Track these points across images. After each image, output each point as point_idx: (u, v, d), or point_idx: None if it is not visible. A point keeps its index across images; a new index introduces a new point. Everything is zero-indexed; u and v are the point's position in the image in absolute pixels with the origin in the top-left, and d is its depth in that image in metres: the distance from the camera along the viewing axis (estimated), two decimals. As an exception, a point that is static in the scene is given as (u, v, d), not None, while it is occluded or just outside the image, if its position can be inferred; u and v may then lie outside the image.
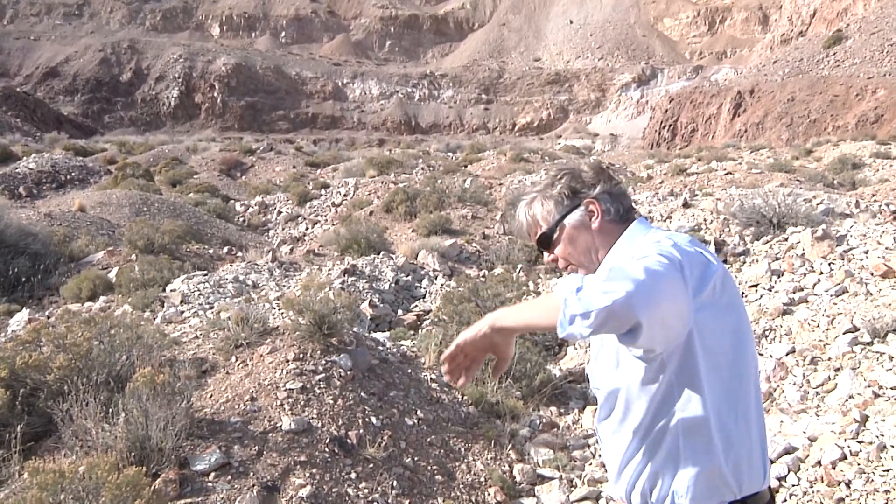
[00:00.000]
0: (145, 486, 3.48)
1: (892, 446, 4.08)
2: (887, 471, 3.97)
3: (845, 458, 4.16)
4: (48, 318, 8.20)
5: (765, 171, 19.85)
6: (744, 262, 8.24)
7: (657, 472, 2.00)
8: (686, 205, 13.21)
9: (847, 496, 3.92)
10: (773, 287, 7.20)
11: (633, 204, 2.24)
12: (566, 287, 1.89)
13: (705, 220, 11.72)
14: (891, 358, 5.10)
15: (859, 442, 4.26)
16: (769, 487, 2.10)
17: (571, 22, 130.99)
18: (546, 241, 2.22)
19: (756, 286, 7.39)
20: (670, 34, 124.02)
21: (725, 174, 19.62)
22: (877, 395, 4.71)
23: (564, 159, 28.45)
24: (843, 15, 66.92)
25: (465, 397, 5.88)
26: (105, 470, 3.41)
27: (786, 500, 4.06)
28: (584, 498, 4.75)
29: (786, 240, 8.38)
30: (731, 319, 1.98)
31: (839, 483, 4.00)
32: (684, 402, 1.95)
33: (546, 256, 2.26)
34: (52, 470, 3.32)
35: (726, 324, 1.96)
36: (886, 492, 3.85)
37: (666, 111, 55.21)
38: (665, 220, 12.39)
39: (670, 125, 53.14)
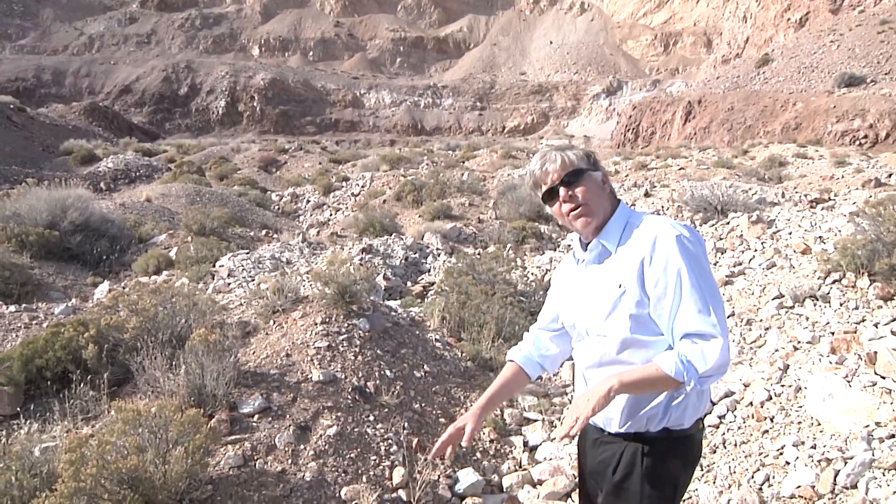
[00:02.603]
0: (203, 424, 3.54)
1: (806, 388, 4.13)
2: (801, 406, 4.03)
3: (771, 398, 4.22)
4: (123, 288, 8.24)
5: (711, 167, 19.82)
6: (693, 242, 8.24)
7: (639, 400, 2.11)
8: (647, 194, 13.20)
9: (770, 428, 3.99)
10: (718, 262, 7.23)
11: None
12: (667, 358, 1.94)
13: (663, 206, 11.71)
14: (807, 318, 5.16)
15: (781, 385, 4.31)
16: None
17: (551, 43, 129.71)
18: (577, 175, 2.15)
19: (703, 261, 7.42)
20: (633, 53, 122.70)
21: (679, 169, 19.58)
22: (796, 349, 4.77)
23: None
24: (769, 42, 66.71)
25: (464, 354, 5.88)
26: (171, 410, 3.47)
27: (724, 434, 4.12)
28: (562, 435, 4.78)
29: (728, 223, 8.39)
30: None
31: (765, 418, 4.06)
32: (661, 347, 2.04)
33: (562, 192, 2.15)
34: (131, 409, 3.39)
35: None
36: (799, 423, 3.92)
37: (630, 117, 54.67)
38: (631, 207, 12.39)
39: (633, 128, 52.63)
